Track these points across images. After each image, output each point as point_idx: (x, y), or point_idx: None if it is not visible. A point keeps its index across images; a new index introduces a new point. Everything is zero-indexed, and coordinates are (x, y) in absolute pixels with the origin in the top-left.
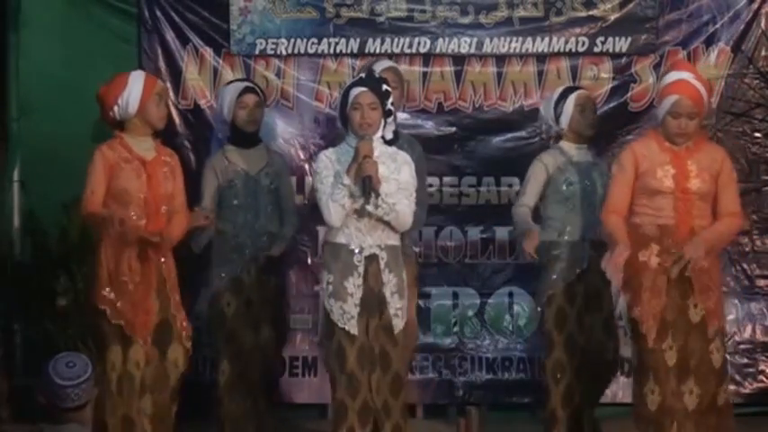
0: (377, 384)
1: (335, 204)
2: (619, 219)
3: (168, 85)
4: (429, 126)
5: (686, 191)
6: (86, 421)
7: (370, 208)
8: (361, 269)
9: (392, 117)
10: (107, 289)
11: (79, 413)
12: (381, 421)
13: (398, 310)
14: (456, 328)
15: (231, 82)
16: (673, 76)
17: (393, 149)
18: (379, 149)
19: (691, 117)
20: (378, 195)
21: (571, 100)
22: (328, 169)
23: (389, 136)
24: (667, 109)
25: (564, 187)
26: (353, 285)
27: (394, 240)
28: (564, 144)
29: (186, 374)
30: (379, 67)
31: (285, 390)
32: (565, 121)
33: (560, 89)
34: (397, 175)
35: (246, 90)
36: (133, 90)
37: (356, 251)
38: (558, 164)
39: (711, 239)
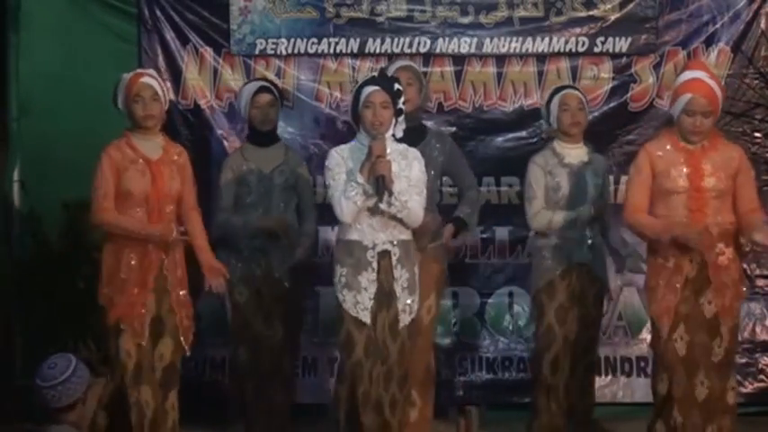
0: (376, 376)
1: (348, 201)
2: (642, 214)
3: (168, 85)
4: (429, 126)
5: (700, 189)
6: (79, 421)
7: (383, 206)
8: (374, 265)
9: (403, 116)
10: (106, 287)
11: (71, 413)
12: (376, 412)
13: (407, 305)
14: (456, 328)
15: (249, 82)
16: (687, 75)
17: (403, 146)
18: (391, 147)
19: (705, 115)
20: (391, 194)
21: (556, 100)
22: (340, 166)
23: (399, 134)
24: (682, 107)
25: (553, 192)
26: (367, 280)
27: (406, 236)
28: (557, 144)
29: (182, 371)
30: (395, 66)
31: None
32: (553, 120)
33: (552, 88)
34: (408, 172)
35: (261, 90)
36: (120, 90)
37: (369, 247)
38: (550, 166)
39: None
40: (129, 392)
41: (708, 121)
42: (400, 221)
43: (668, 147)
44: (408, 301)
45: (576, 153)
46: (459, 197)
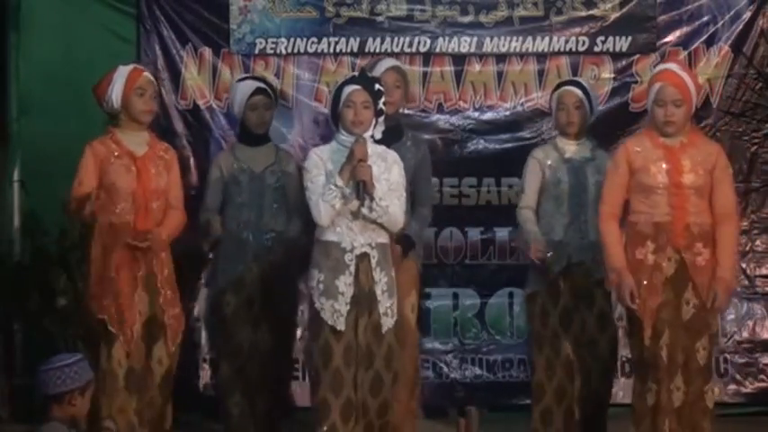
0: (360, 382)
1: (326, 204)
2: (615, 229)
3: (168, 85)
4: (429, 126)
5: (680, 186)
6: (74, 419)
7: (365, 211)
8: (352, 268)
9: (383, 117)
10: (95, 286)
11: (63, 407)
12: (358, 418)
13: (388, 309)
14: (456, 329)
15: (244, 78)
16: (659, 67)
17: (382, 148)
18: (370, 149)
19: (676, 104)
20: (372, 199)
21: (555, 96)
22: (318, 168)
23: (379, 136)
24: (653, 98)
25: (553, 186)
26: (344, 284)
27: (384, 239)
28: (559, 140)
29: (177, 373)
30: (383, 66)
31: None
32: (552, 117)
33: (556, 83)
34: (388, 175)
35: (257, 91)
36: (116, 84)
37: (348, 249)
38: (551, 161)
39: (730, 267)
40: (119, 400)
41: (680, 111)
42: (380, 225)
43: (647, 143)
44: (389, 304)
45: (577, 149)
46: (412, 209)
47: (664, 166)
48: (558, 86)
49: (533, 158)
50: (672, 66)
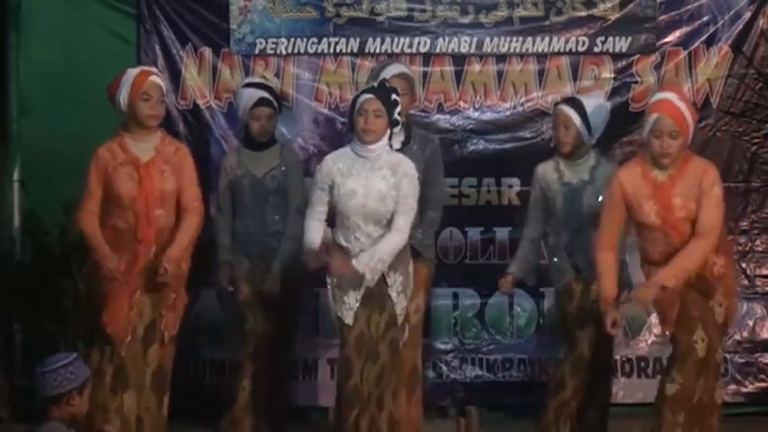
0: (366, 375)
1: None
2: (608, 258)
3: (168, 85)
4: (429, 126)
5: (674, 225)
6: (73, 418)
7: (368, 281)
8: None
9: (399, 126)
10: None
11: (62, 407)
12: (363, 409)
13: (403, 309)
14: (456, 329)
15: (250, 85)
16: (657, 96)
17: (397, 159)
18: (383, 158)
19: (672, 136)
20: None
21: (553, 117)
22: (324, 181)
23: (397, 145)
24: (649, 128)
25: (552, 205)
26: (357, 284)
27: None
28: (560, 159)
29: (177, 373)
30: (390, 71)
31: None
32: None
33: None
34: (396, 192)
35: (260, 102)
36: (123, 88)
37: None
38: (549, 180)
39: (674, 275)
40: (108, 399)
41: (676, 143)
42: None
43: (639, 178)
44: (404, 305)
45: (575, 171)
46: (421, 212)
47: (654, 206)
48: (555, 104)
49: (535, 176)
50: (670, 95)
